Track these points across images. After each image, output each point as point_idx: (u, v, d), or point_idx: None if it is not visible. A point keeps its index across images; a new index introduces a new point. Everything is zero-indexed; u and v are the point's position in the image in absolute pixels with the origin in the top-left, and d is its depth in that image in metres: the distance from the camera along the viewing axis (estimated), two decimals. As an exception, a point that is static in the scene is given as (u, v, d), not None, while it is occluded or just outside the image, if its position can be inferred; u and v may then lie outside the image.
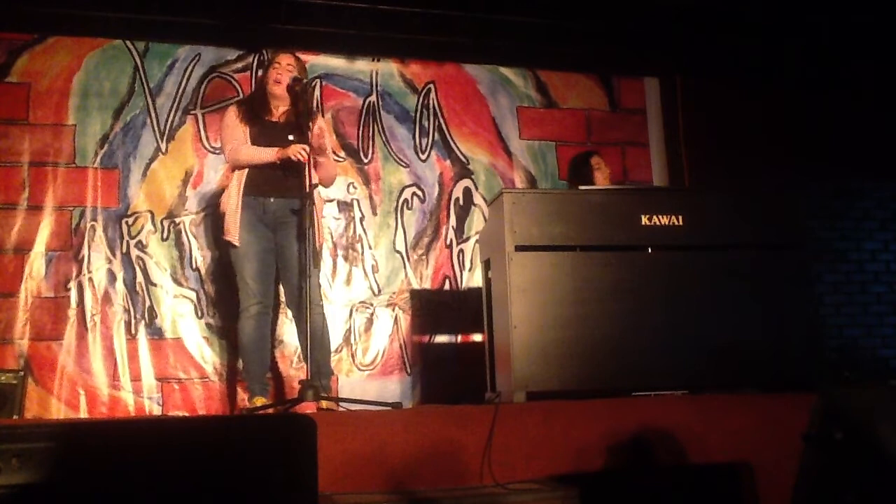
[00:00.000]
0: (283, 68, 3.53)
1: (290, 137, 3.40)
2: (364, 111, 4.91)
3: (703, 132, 5.17)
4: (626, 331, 3.03)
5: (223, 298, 4.43)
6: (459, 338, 4.76)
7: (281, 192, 3.43)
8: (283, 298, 3.84)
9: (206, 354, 4.38)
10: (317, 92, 4.81)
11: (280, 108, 3.57)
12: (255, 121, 3.52)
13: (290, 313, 3.81)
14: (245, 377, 3.67)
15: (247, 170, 3.48)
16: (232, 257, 3.54)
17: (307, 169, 3.30)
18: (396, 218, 4.82)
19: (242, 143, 3.48)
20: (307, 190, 3.27)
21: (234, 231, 3.46)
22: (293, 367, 4.43)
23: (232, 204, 3.48)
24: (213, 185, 4.58)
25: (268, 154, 3.40)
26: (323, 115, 4.61)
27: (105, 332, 4.28)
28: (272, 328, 4.03)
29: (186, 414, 4.22)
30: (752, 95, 5.18)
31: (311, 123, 3.44)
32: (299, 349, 4.28)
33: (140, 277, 4.39)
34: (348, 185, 4.78)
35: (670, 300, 3.09)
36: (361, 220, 4.77)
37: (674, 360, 3.02)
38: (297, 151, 3.32)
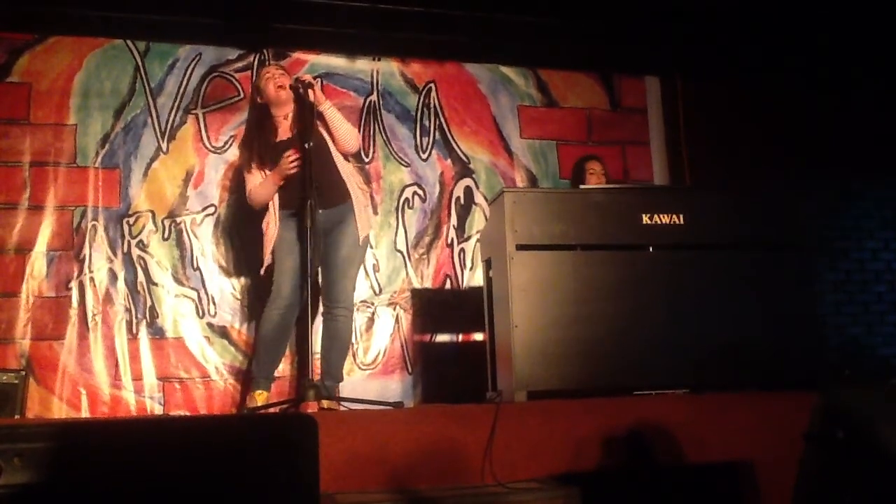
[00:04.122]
0: (276, 74, 3.54)
1: (306, 146, 3.33)
2: (365, 110, 4.91)
3: (704, 131, 5.16)
4: (627, 330, 3.03)
5: (225, 298, 4.45)
6: (460, 337, 4.76)
7: (324, 202, 3.41)
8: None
9: (208, 354, 4.38)
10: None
11: (285, 118, 3.57)
12: (263, 148, 3.54)
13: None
14: (254, 368, 3.69)
15: (278, 190, 3.51)
16: (275, 252, 3.57)
17: (307, 161, 3.30)
18: (397, 217, 4.82)
19: (257, 184, 3.52)
20: (311, 187, 3.27)
21: (268, 257, 3.53)
22: (296, 365, 4.43)
23: (271, 227, 3.54)
24: (215, 184, 4.58)
25: (270, 185, 3.45)
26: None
27: (106, 331, 4.28)
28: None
29: (188, 413, 4.23)
30: (752, 95, 5.17)
31: (313, 112, 3.42)
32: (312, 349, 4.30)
33: (141, 277, 4.39)
34: (349, 185, 4.78)
35: (671, 299, 3.09)
36: (362, 219, 4.77)
37: (675, 359, 3.02)
38: (288, 166, 3.35)
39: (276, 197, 3.52)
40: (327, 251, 3.51)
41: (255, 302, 4.30)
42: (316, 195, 3.28)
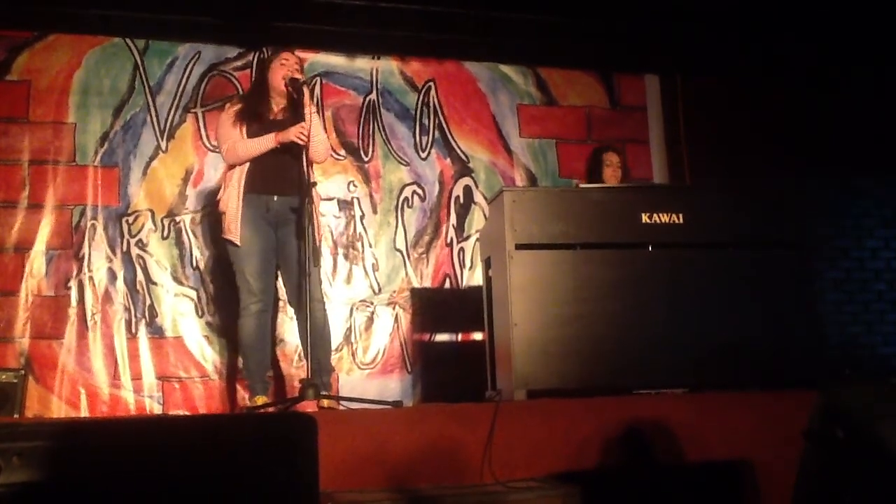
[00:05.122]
0: (292, 65, 3.51)
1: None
2: (364, 109, 4.91)
3: (704, 130, 5.16)
4: (626, 329, 3.03)
5: (223, 297, 4.44)
6: (460, 336, 4.76)
7: (284, 189, 3.39)
8: (283, 297, 3.83)
9: (207, 353, 4.38)
10: (317, 90, 4.80)
11: (280, 104, 3.56)
12: (253, 118, 3.50)
13: (291, 311, 3.80)
14: (246, 376, 3.66)
15: (246, 167, 3.45)
16: (232, 255, 3.51)
17: (304, 161, 3.29)
18: (397, 216, 4.81)
19: (239, 139, 3.46)
20: (306, 184, 3.26)
21: (235, 230, 3.43)
22: (294, 365, 4.43)
23: (233, 203, 3.45)
24: (213, 183, 4.57)
25: (267, 141, 3.38)
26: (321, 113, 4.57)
27: (105, 330, 4.28)
28: (273, 326, 4.03)
29: (187, 413, 4.23)
30: (752, 93, 5.17)
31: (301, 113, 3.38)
32: (300, 347, 4.28)
33: (140, 276, 4.38)
34: (348, 184, 4.78)
35: (671, 298, 3.08)
36: (362, 218, 4.77)
37: (674, 357, 3.02)
38: (298, 132, 3.30)
39: (245, 175, 3.46)
40: (284, 243, 3.45)
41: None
42: (277, 180, 3.34)
